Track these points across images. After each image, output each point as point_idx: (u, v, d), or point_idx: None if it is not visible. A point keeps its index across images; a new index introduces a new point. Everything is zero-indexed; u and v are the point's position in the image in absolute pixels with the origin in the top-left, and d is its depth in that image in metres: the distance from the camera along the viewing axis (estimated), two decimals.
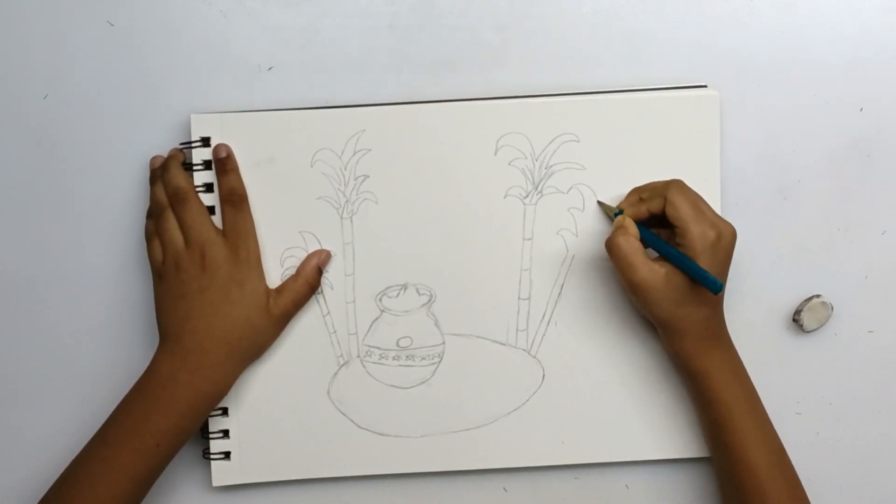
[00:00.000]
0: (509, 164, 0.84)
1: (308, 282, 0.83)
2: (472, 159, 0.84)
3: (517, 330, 0.85)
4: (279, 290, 0.83)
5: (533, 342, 0.85)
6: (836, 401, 0.86)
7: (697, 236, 0.77)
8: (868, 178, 0.86)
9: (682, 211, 0.78)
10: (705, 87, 0.84)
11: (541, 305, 0.85)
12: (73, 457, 0.80)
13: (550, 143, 0.84)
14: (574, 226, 0.84)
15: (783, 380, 0.86)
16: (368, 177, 0.84)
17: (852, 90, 0.86)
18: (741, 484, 0.79)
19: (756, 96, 0.85)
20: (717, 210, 0.83)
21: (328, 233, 0.84)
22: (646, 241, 0.80)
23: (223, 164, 0.83)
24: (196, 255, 0.81)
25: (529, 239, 0.84)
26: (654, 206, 0.80)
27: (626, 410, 0.85)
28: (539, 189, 0.84)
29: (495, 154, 0.84)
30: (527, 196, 0.84)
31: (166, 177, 0.83)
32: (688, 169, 0.83)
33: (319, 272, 0.84)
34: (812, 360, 0.87)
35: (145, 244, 0.84)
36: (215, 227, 0.82)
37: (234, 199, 0.83)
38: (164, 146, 0.85)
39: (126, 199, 0.86)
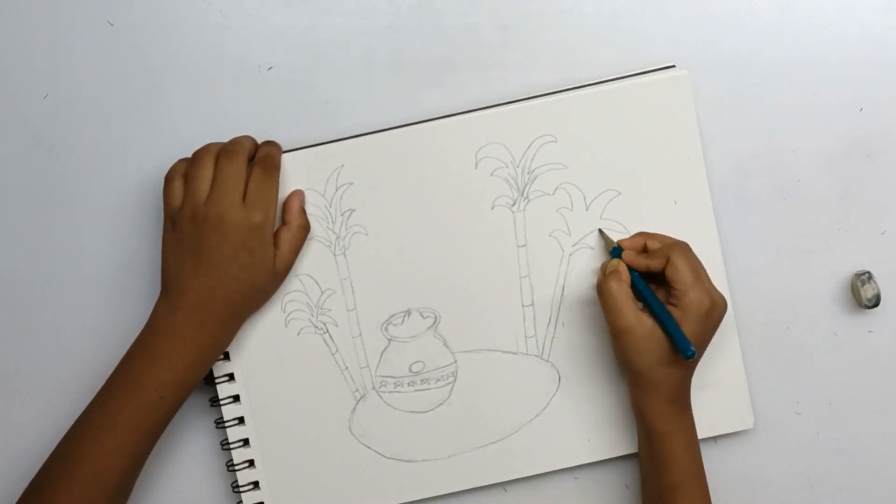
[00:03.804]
0: (491, 174, 0.84)
1: (302, 226, 0.83)
2: (454, 176, 0.84)
3: (526, 337, 0.85)
4: (277, 245, 0.82)
5: (543, 346, 0.85)
6: (836, 401, 0.86)
7: (694, 301, 0.77)
8: (868, 178, 0.86)
9: (682, 274, 0.78)
10: (674, 66, 0.84)
11: (545, 309, 0.85)
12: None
13: (528, 147, 0.83)
14: (566, 225, 0.84)
15: (783, 379, 0.86)
16: (355, 210, 0.84)
17: (852, 90, 0.86)
18: None
19: (756, 96, 0.85)
20: (710, 206, 0.83)
21: (324, 272, 0.84)
22: (636, 289, 0.79)
23: (268, 142, 0.83)
24: (213, 213, 0.79)
25: (523, 245, 0.84)
26: (656, 264, 0.79)
27: None
28: (525, 195, 0.84)
29: (476, 167, 0.84)
30: (514, 204, 0.84)
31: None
32: (669, 152, 0.83)
33: (304, 211, 0.83)
34: (812, 360, 0.87)
35: (163, 184, 0.82)
36: (242, 193, 0.80)
37: (268, 164, 0.81)
38: (163, 146, 0.85)
39: (126, 199, 0.86)
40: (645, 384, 0.79)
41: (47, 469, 0.80)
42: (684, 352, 0.75)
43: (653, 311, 0.78)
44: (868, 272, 0.84)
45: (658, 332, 0.77)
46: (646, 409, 0.79)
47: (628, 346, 0.78)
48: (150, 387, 0.79)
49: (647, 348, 0.77)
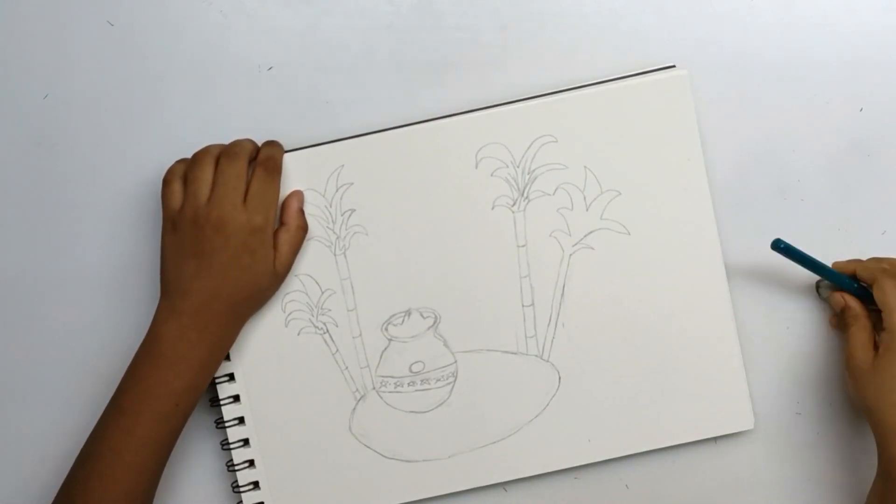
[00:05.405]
0: (491, 175, 0.84)
1: (300, 227, 0.83)
2: (454, 176, 0.84)
3: (526, 337, 0.85)
4: (276, 247, 0.82)
5: (543, 347, 0.85)
6: (836, 401, 0.86)
7: None
8: (868, 178, 0.86)
9: (889, 296, 0.79)
10: (674, 66, 0.84)
11: (545, 309, 0.85)
12: (71, 454, 0.80)
13: (528, 147, 0.83)
14: (566, 225, 0.84)
15: (783, 379, 0.86)
16: (355, 210, 0.84)
17: (852, 90, 0.86)
18: None
19: (756, 96, 0.86)
20: (710, 206, 0.83)
21: (324, 272, 0.84)
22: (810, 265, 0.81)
23: (270, 142, 0.83)
24: (214, 215, 0.79)
25: (524, 246, 0.84)
26: (864, 276, 0.82)
27: (645, 398, 0.85)
28: (525, 195, 0.84)
29: (476, 168, 0.84)
30: (514, 204, 0.84)
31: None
32: (669, 152, 0.83)
33: (303, 212, 0.83)
34: (812, 360, 0.87)
35: (161, 186, 0.82)
36: (243, 195, 0.80)
37: (270, 165, 0.81)
38: (163, 146, 0.85)
39: (126, 199, 0.86)
40: (881, 427, 0.78)
41: (71, 494, 0.79)
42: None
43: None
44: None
45: (882, 361, 0.78)
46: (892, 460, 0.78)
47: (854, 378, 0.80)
48: (162, 396, 0.79)
49: (869, 379, 0.79)
